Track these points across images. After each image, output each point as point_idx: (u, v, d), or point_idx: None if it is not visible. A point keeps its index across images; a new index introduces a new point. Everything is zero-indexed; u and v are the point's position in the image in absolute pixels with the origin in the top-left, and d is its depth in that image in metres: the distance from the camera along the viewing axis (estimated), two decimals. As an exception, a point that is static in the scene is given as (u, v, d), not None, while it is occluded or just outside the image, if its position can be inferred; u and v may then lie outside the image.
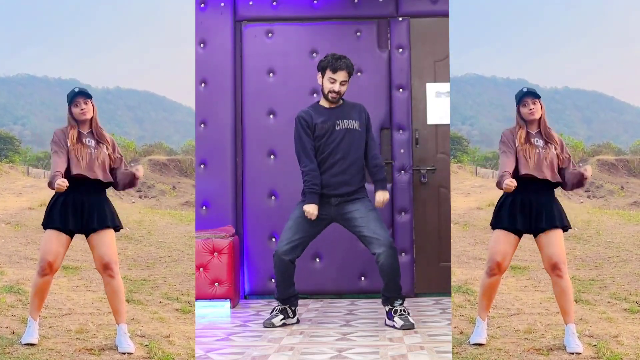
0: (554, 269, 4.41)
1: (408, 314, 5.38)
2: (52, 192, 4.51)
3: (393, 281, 5.37)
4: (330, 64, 5.41)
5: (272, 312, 5.60)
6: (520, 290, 6.02)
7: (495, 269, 4.45)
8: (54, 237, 4.47)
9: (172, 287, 6.15)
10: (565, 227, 4.51)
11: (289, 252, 5.44)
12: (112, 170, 4.61)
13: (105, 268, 4.47)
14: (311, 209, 5.35)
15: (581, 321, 5.02)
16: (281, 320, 5.50)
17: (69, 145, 4.49)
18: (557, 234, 4.44)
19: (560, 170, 4.56)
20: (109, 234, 4.52)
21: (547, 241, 4.44)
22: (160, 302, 5.71)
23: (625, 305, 5.58)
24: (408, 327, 5.24)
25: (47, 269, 4.42)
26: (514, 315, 5.30)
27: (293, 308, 5.60)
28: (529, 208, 4.47)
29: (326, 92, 5.46)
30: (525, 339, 4.68)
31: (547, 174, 4.47)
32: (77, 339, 4.71)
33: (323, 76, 5.45)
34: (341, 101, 5.55)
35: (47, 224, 4.49)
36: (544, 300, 5.67)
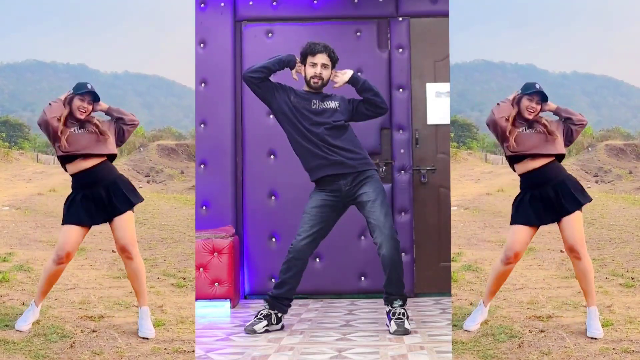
0: (571, 251, 4.52)
1: (407, 317, 5.19)
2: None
3: (395, 274, 5.19)
4: (309, 48, 5.36)
5: (256, 316, 5.32)
6: (526, 269, 6.18)
7: (512, 258, 4.61)
8: (75, 229, 4.54)
9: (171, 265, 6.20)
10: (586, 202, 4.61)
11: (307, 247, 5.27)
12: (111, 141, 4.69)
13: (122, 250, 4.56)
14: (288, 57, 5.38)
15: (579, 294, 5.17)
16: (264, 327, 5.23)
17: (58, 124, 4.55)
18: (572, 218, 4.52)
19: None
20: (124, 218, 4.56)
21: (563, 226, 4.54)
22: (158, 279, 5.82)
23: (621, 280, 5.79)
24: (401, 333, 5.07)
25: (64, 258, 4.51)
26: (518, 290, 5.54)
27: (280, 315, 5.34)
28: (543, 202, 4.56)
29: (308, 78, 5.38)
30: (528, 308, 5.00)
31: (539, 147, 4.57)
32: (79, 308, 4.99)
33: (305, 65, 5.39)
34: (323, 91, 5.46)
35: (68, 220, 4.54)
36: (547, 277, 5.90)
